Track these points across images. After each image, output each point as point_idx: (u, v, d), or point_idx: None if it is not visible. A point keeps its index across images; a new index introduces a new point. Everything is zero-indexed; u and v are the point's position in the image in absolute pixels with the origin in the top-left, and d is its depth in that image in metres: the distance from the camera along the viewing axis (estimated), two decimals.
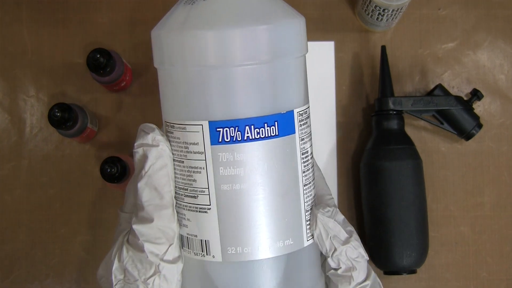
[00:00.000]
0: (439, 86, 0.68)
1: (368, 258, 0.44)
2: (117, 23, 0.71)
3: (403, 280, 0.69)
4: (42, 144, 0.70)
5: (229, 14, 0.40)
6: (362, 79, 0.71)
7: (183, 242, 0.44)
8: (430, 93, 0.68)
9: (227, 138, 0.40)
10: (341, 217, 0.44)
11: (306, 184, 0.43)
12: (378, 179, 0.65)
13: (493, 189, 0.71)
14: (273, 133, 0.41)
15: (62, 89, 0.70)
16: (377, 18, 0.67)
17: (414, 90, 0.71)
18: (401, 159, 0.65)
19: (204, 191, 0.41)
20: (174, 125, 0.42)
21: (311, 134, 0.44)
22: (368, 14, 0.67)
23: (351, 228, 0.44)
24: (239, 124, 0.40)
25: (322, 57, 0.71)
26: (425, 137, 0.71)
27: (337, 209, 0.44)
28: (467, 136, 0.68)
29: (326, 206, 0.43)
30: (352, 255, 0.43)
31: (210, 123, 0.40)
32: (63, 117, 0.62)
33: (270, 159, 0.41)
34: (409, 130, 0.69)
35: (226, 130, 0.40)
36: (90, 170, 0.70)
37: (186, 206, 0.43)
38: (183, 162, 0.42)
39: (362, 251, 0.44)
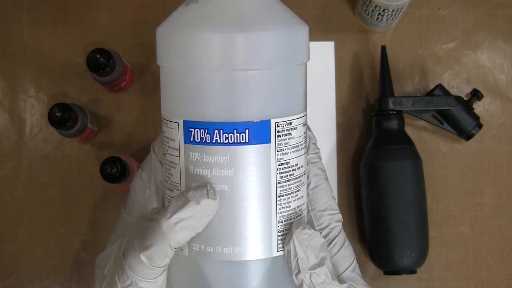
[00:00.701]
0: (439, 86, 0.68)
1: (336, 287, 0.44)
2: (117, 23, 0.71)
3: (403, 280, 0.69)
4: (42, 144, 0.70)
5: (204, 16, 0.40)
6: (362, 79, 0.71)
7: None
8: (430, 93, 0.68)
9: (197, 139, 0.41)
10: (319, 241, 0.43)
11: (282, 196, 0.42)
12: (378, 179, 0.65)
13: (493, 189, 0.71)
14: (242, 140, 0.40)
15: (62, 89, 0.70)
16: (377, 18, 0.67)
17: (414, 90, 0.71)
18: (401, 159, 0.65)
19: (177, 187, 0.42)
20: (163, 119, 0.44)
21: (300, 146, 0.43)
22: (368, 14, 0.67)
23: (325, 254, 0.43)
24: (208, 127, 0.40)
25: (322, 57, 0.71)
26: (425, 137, 0.71)
27: (318, 232, 0.43)
28: (467, 136, 0.68)
29: (306, 227, 0.42)
30: (317, 280, 0.42)
31: (185, 122, 0.41)
32: (63, 117, 0.62)
33: (237, 165, 0.41)
34: (409, 130, 0.69)
35: (197, 131, 0.41)
36: (90, 170, 0.70)
37: (166, 197, 0.44)
38: (166, 156, 0.43)
39: (328, 279, 0.43)
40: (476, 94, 0.69)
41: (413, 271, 0.65)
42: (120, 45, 0.70)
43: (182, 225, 0.40)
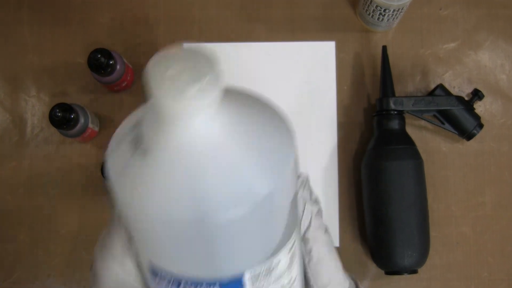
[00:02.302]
0: (440, 86, 0.68)
1: None
2: (118, 23, 0.71)
3: (404, 280, 0.69)
4: (43, 144, 0.70)
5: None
6: (363, 79, 0.71)
7: None
8: (431, 93, 0.68)
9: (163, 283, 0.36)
10: None
11: None
12: (379, 179, 0.65)
13: (494, 189, 0.71)
14: None
15: (63, 89, 0.70)
16: (378, 18, 0.67)
17: (415, 90, 0.71)
18: (402, 159, 0.65)
19: None
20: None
21: (282, 275, 0.37)
22: (369, 14, 0.67)
23: None
24: (173, 276, 0.35)
25: (323, 57, 0.71)
26: (426, 137, 0.71)
27: None
28: (468, 136, 0.68)
29: None
30: None
31: (150, 264, 0.36)
32: (64, 117, 0.62)
33: None
34: (410, 130, 0.69)
35: (163, 275, 0.36)
36: (91, 170, 0.70)
37: None
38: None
39: None
40: (477, 94, 0.69)
41: (414, 271, 0.65)
42: (121, 45, 0.70)
43: None
